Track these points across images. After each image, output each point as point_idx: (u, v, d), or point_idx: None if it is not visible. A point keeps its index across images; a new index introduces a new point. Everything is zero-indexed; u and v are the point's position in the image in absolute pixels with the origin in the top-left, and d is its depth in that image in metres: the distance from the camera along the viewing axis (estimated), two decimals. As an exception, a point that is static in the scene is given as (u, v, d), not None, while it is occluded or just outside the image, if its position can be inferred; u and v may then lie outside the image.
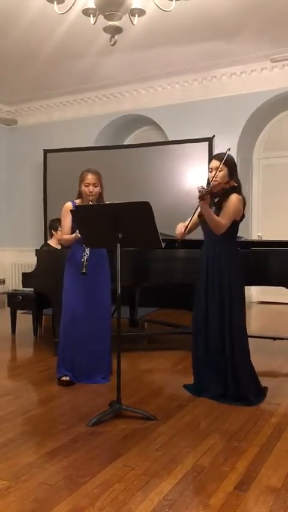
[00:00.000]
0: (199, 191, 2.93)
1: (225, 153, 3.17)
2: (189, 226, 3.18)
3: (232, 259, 3.15)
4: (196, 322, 3.22)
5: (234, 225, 3.15)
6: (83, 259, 3.30)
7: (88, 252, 3.31)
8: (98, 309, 3.49)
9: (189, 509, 1.91)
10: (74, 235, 3.43)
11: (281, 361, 4.02)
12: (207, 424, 2.74)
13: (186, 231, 3.15)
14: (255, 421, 2.77)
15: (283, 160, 7.01)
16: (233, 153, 6.11)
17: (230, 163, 3.12)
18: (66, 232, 3.55)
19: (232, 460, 2.30)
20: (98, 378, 3.47)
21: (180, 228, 3.18)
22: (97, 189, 3.49)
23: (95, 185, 3.48)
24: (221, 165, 3.07)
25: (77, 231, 3.34)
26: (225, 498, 1.97)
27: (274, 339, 4.42)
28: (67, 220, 3.51)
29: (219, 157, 3.14)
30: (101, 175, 3.54)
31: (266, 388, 3.22)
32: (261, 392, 3.16)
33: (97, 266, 3.46)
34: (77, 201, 3.56)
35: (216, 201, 3.14)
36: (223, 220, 3.05)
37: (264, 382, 3.25)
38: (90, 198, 3.46)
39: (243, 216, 3.19)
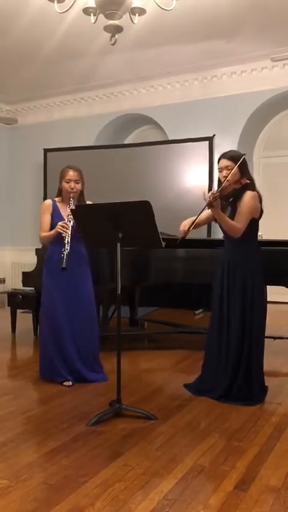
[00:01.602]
0: (208, 197, 2.87)
1: (234, 151, 3.13)
2: (196, 223, 3.10)
3: (254, 261, 3.09)
4: (213, 323, 3.20)
5: (254, 224, 3.06)
6: (62, 254, 3.23)
7: (68, 248, 3.25)
8: (83, 307, 3.47)
9: (189, 508, 1.90)
10: (53, 231, 3.37)
11: (281, 361, 4.02)
12: (207, 424, 2.74)
13: (190, 230, 3.04)
14: (256, 421, 2.77)
15: (283, 159, 7.00)
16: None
17: (239, 160, 3.02)
18: (45, 230, 3.47)
19: (232, 460, 2.30)
20: (93, 376, 3.47)
21: (184, 225, 3.07)
22: (78, 186, 3.44)
23: (76, 182, 3.42)
24: (231, 163, 2.99)
25: (57, 227, 3.31)
26: (226, 498, 1.97)
27: (274, 338, 4.42)
28: (46, 218, 3.46)
29: (228, 155, 3.05)
30: (81, 172, 3.47)
31: (266, 388, 3.22)
32: (263, 392, 3.16)
33: (78, 265, 3.44)
34: (57, 199, 3.52)
35: (231, 200, 3.06)
36: (239, 223, 2.97)
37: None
38: (71, 195, 3.39)
39: (261, 212, 3.10)
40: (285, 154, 6.99)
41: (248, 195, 3.00)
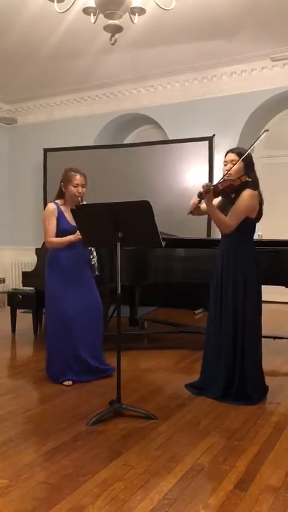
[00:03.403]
0: (202, 187, 2.90)
1: (243, 148, 3.10)
2: (202, 208, 3.12)
3: (248, 259, 3.07)
4: (209, 321, 3.21)
5: (249, 223, 3.04)
6: (93, 262, 3.41)
7: (95, 254, 3.41)
8: (92, 304, 3.50)
9: (189, 508, 1.91)
10: (72, 237, 3.36)
11: (280, 360, 4.02)
12: (207, 423, 2.74)
13: (199, 203, 3.08)
14: (255, 420, 2.77)
15: (284, 159, 7.00)
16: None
17: (246, 157, 3.02)
18: (52, 235, 3.44)
19: (232, 459, 2.30)
20: (106, 366, 3.54)
21: (193, 198, 3.11)
22: (84, 190, 3.46)
23: (83, 186, 3.45)
24: (236, 158, 2.99)
25: (75, 234, 3.33)
26: (225, 497, 1.98)
27: (274, 338, 4.42)
28: (52, 223, 3.43)
29: (235, 151, 3.05)
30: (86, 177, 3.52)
31: (267, 387, 3.22)
32: (264, 392, 3.16)
33: (82, 264, 3.49)
34: (59, 202, 3.51)
35: (233, 197, 3.05)
36: (230, 219, 2.97)
37: (264, 381, 3.25)
38: (79, 199, 3.40)
39: (260, 214, 3.08)
40: (286, 154, 6.99)
41: (247, 193, 2.98)
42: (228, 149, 3.15)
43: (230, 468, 2.22)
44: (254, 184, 3.02)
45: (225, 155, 3.09)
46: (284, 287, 4.03)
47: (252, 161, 3.07)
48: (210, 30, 5.37)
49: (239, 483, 2.08)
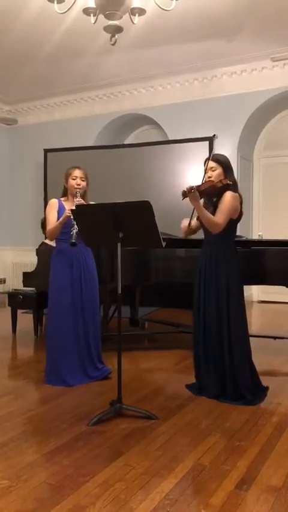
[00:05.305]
0: (186, 188, 2.96)
1: (221, 155, 3.20)
2: (192, 227, 3.21)
3: (230, 259, 3.13)
4: (195, 322, 3.22)
5: (232, 223, 3.12)
6: (72, 232, 3.27)
7: (77, 227, 3.27)
8: (90, 300, 3.51)
9: (190, 508, 1.91)
10: (61, 218, 3.39)
11: (281, 360, 4.02)
12: (208, 423, 2.74)
13: (189, 226, 3.19)
14: (256, 420, 2.77)
15: (284, 159, 7.01)
16: (234, 152, 6.09)
17: (224, 162, 3.14)
18: (50, 226, 3.50)
19: (233, 459, 2.30)
20: (97, 372, 3.50)
21: (184, 222, 3.23)
22: (84, 183, 3.50)
23: (82, 179, 3.49)
24: (215, 165, 3.11)
25: (65, 212, 3.36)
26: (226, 497, 1.97)
27: (275, 338, 4.42)
28: (53, 214, 3.49)
29: (214, 158, 3.15)
30: (86, 171, 3.53)
31: (267, 388, 3.22)
32: (261, 392, 3.16)
33: (85, 259, 3.51)
34: (62, 199, 3.56)
35: (214, 200, 3.13)
36: (218, 219, 3.04)
37: (264, 381, 3.25)
38: (78, 191, 3.43)
39: (241, 214, 3.17)
40: (285, 154, 7.00)
41: (229, 194, 3.07)
42: (212, 154, 3.23)
43: (231, 468, 2.21)
44: (235, 187, 3.12)
45: (204, 164, 3.18)
46: (284, 287, 4.03)
47: (231, 165, 3.18)
48: (210, 30, 5.38)
49: (240, 483, 2.08)
